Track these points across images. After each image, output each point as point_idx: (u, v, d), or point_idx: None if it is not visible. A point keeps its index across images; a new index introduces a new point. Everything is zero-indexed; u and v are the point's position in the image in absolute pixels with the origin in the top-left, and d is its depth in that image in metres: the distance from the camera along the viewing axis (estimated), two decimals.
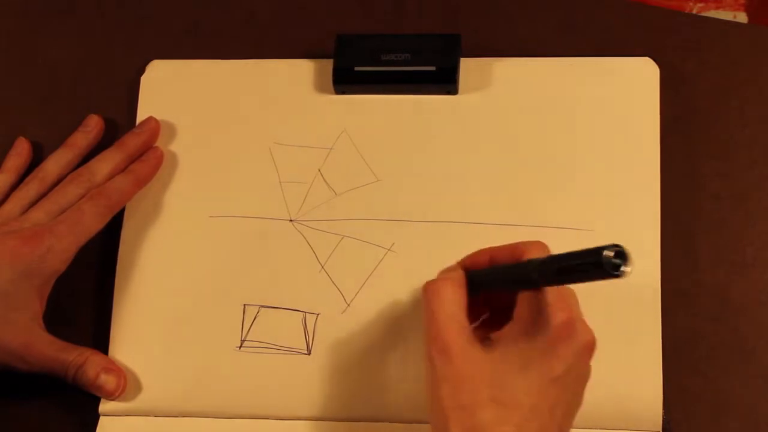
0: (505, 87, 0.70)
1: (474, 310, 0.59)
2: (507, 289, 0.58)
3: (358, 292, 0.67)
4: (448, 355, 0.55)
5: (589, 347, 0.56)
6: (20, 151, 0.72)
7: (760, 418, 0.63)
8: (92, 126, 0.72)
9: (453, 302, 0.57)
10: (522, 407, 0.54)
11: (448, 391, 0.55)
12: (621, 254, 0.49)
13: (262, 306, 0.68)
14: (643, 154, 0.67)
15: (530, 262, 0.56)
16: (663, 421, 0.63)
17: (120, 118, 0.73)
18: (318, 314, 0.67)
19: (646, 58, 0.69)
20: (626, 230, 0.66)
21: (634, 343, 0.64)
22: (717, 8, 0.73)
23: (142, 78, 0.73)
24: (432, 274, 0.65)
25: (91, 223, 0.67)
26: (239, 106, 0.72)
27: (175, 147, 0.72)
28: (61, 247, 0.65)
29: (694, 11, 0.73)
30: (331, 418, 0.65)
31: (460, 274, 0.59)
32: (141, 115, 0.72)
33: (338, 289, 0.67)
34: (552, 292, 0.55)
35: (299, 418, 0.65)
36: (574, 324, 0.55)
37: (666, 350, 0.64)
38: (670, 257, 0.66)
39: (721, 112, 0.69)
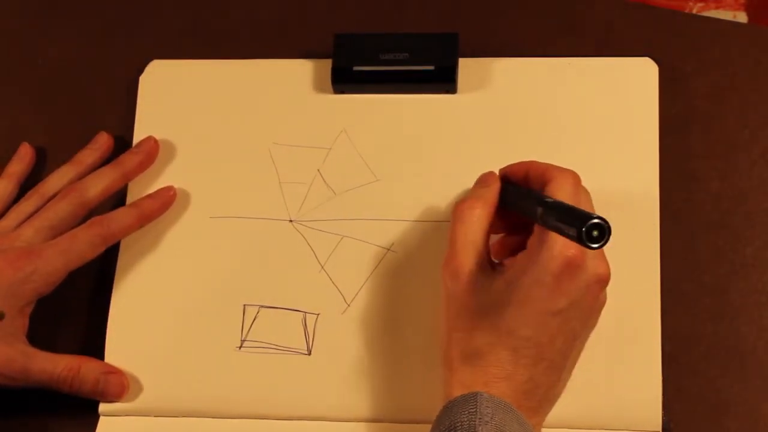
0: (504, 86, 0.70)
1: (505, 220, 0.61)
2: (522, 215, 0.59)
3: (358, 292, 0.67)
4: (458, 278, 0.58)
5: (601, 281, 0.57)
6: (23, 156, 0.72)
7: (759, 418, 0.63)
8: (101, 144, 0.71)
9: (476, 227, 0.59)
10: (517, 335, 0.56)
11: (453, 312, 0.58)
12: (602, 228, 0.49)
13: (262, 306, 0.68)
14: (643, 154, 0.67)
15: (541, 197, 0.56)
16: (662, 421, 0.63)
17: (119, 118, 0.73)
18: (318, 314, 0.67)
19: (646, 58, 0.69)
20: (625, 230, 0.65)
21: (633, 344, 0.64)
22: (717, 8, 0.73)
23: (142, 78, 0.73)
24: (432, 274, 0.65)
25: (83, 250, 0.66)
26: (238, 106, 0.72)
27: (174, 147, 0.72)
28: (47, 271, 0.64)
29: (694, 11, 0.73)
30: (331, 418, 0.65)
31: (493, 192, 0.61)
32: (140, 115, 0.72)
33: (338, 289, 0.67)
34: None
35: (299, 418, 0.65)
36: (583, 259, 0.55)
37: (665, 350, 0.64)
38: (670, 257, 0.66)
39: (721, 112, 0.69)
